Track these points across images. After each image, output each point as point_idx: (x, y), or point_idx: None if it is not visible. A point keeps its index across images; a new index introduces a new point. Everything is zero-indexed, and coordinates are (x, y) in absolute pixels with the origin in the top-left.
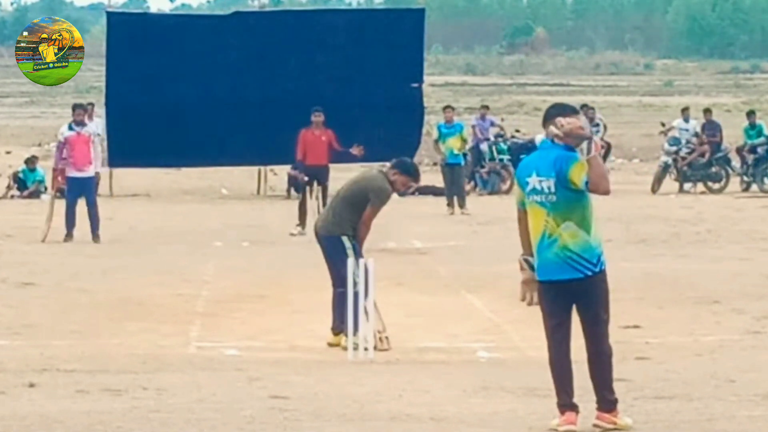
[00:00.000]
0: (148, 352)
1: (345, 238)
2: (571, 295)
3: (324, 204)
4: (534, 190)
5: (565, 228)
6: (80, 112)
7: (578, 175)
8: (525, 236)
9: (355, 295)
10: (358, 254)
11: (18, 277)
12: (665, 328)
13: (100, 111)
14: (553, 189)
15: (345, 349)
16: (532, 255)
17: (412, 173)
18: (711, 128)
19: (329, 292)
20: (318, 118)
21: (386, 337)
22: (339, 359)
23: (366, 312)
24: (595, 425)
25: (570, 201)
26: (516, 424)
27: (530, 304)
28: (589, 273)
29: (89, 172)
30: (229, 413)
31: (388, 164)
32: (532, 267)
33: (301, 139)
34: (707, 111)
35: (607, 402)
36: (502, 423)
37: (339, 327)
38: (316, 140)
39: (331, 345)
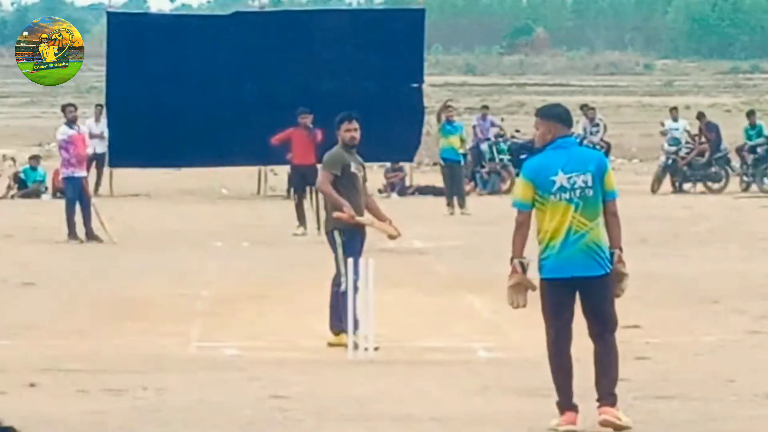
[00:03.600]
0: (148, 352)
1: (336, 233)
2: (585, 293)
3: (316, 203)
4: (562, 188)
5: (595, 224)
6: (71, 109)
7: (611, 183)
8: (523, 240)
9: (345, 292)
10: (348, 251)
11: (18, 277)
12: (665, 328)
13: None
14: (590, 183)
15: (346, 346)
16: (523, 258)
17: (338, 120)
18: (709, 130)
19: (329, 291)
20: (305, 119)
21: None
22: (339, 359)
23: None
24: (604, 421)
25: (599, 198)
26: (516, 424)
27: (518, 307)
28: (609, 270)
29: (85, 171)
30: (229, 413)
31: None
32: (525, 270)
33: (287, 135)
34: (701, 115)
35: (611, 396)
36: (502, 423)
37: (338, 326)
38: (304, 140)
39: (331, 345)
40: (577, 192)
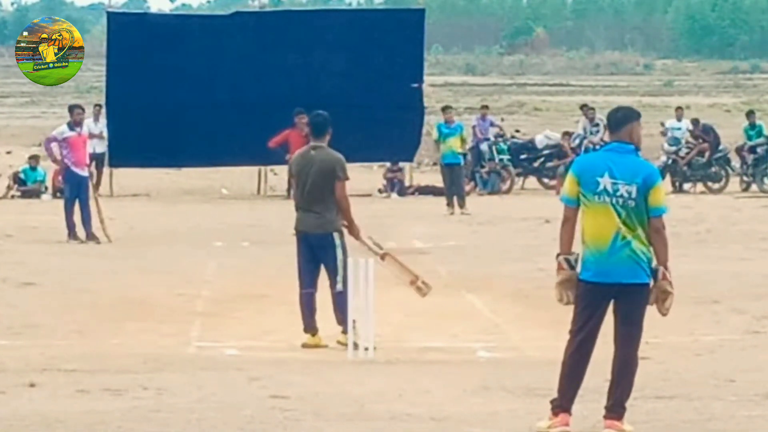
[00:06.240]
0: (148, 352)
1: (336, 235)
2: (623, 299)
3: None
4: (605, 191)
5: (640, 232)
6: (79, 111)
7: (657, 199)
8: (569, 236)
9: (343, 293)
10: (345, 253)
11: (18, 277)
12: (665, 328)
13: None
14: (634, 195)
15: (345, 345)
16: (570, 254)
17: (312, 127)
18: (705, 133)
19: (328, 291)
20: (302, 120)
21: (424, 282)
22: (339, 359)
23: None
24: None
25: (642, 210)
26: (516, 424)
27: (567, 303)
28: (649, 280)
29: (86, 171)
30: (229, 413)
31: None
32: (572, 266)
33: (284, 136)
34: (695, 122)
35: (621, 410)
36: (502, 423)
37: (344, 327)
38: (301, 140)
39: (340, 343)
40: (620, 200)
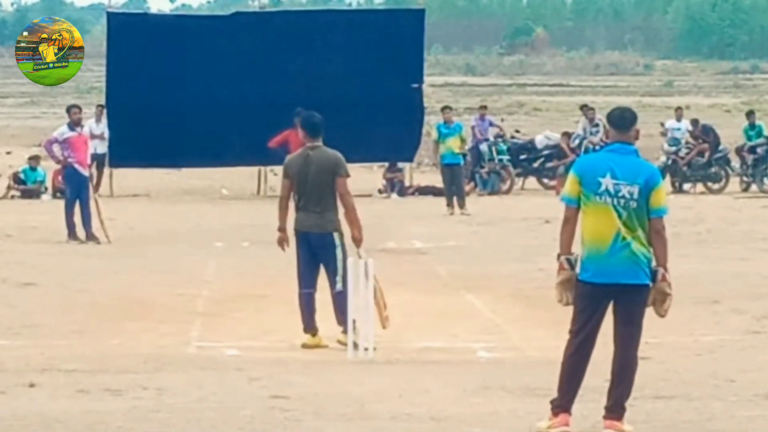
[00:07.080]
0: (148, 352)
1: (336, 235)
2: (623, 300)
3: None
4: (606, 192)
5: (640, 233)
6: (76, 111)
7: (658, 200)
8: (569, 236)
9: (342, 292)
10: (344, 253)
11: (18, 277)
12: (665, 328)
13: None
14: (636, 196)
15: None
16: (571, 254)
17: (309, 128)
18: (705, 133)
19: (329, 291)
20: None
21: (387, 318)
22: (339, 359)
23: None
24: None
25: (644, 211)
26: (516, 424)
27: (567, 304)
28: (649, 281)
29: (86, 171)
30: (229, 413)
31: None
32: (572, 266)
33: (284, 137)
34: (695, 122)
35: (621, 410)
36: (502, 423)
37: (344, 327)
38: (301, 141)
39: (340, 342)
40: (621, 201)
